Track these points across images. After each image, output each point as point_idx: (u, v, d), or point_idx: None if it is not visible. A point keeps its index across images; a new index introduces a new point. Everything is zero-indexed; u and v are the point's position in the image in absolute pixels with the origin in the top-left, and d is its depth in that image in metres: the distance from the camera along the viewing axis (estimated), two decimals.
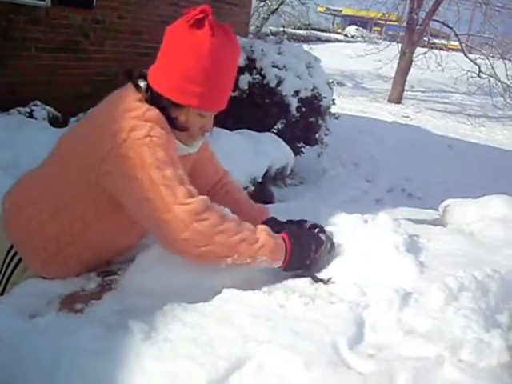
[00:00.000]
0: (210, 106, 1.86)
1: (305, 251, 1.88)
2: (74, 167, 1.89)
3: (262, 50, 7.66)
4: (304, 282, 1.89)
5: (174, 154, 1.78)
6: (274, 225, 2.06)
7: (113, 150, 1.74)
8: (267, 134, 6.90)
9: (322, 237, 1.95)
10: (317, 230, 2.04)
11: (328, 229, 2.16)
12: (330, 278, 1.89)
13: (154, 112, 1.79)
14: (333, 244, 1.98)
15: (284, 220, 2.17)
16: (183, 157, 1.97)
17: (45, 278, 1.97)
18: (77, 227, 1.92)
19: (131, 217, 1.85)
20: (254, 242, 1.76)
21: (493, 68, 19.42)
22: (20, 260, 2.01)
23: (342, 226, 2.22)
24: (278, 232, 1.90)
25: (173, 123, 1.85)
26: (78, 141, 1.94)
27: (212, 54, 1.73)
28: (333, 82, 9.79)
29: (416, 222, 2.65)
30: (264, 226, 1.85)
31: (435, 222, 2.93)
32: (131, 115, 1.76)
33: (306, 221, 2.13)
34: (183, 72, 1.76)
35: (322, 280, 1.88)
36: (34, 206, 1.95)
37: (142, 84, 1.87)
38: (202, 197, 1.74)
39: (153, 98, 1.82)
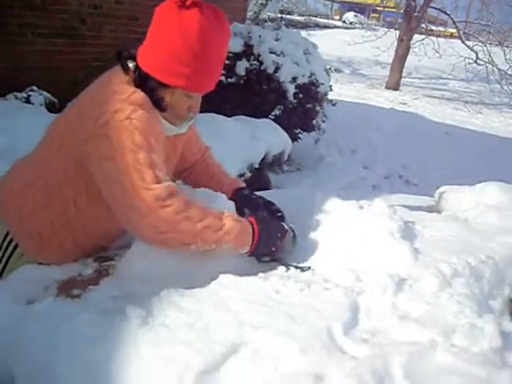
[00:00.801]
0: (196, 86, 1.84)
1: (272, 238, 1.88)
2: (64, 150, 1.89)
3: (260, 36, 7.63)
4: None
5: (153, 139, 1.77)
6: (242, 198, 2.18)
7: (95, 131, 1.75)
8: (264, 120, 6.89)
9: (285, 226, 1.96)
10: (279, 214, 2.10)
11: (324, 215, 2.17)
12: (309, 267, 1.90)
13: (140, 95, 1.79)
14: (295, 235, 1.99)
15: (255, 195, 2.24)
16: (173, 137, 1.99)
17: (41, 263, 1.98)
18: (70, 211, 1.93)
19: None
20: (219, 229, 1.76)
21: (490, 55, 19.37)
22: (16, 246, 2.02)
23: (338, 212, 2.23)
24: (246, 206, 1.99)
25: (160, 104, 1.85)
26: (66, 124, 1.95)
27: (200, 34, 1.72)
28: (330, 68, 9.75)
29: (411, 208, 2.66)
30: (230, 213, 1.85)
31: (431, 209, 2.95)
32: (117, 98, 1.77)
33: (273, 204, 2.18)
34: (170, 52, 1.75)
35: (299, 267, 1.89)
36: (28, 191, 1.96)
37: (131, 65, 1.87)
38: (167, 183, 1.73)
39: (141, 79, 1.82)
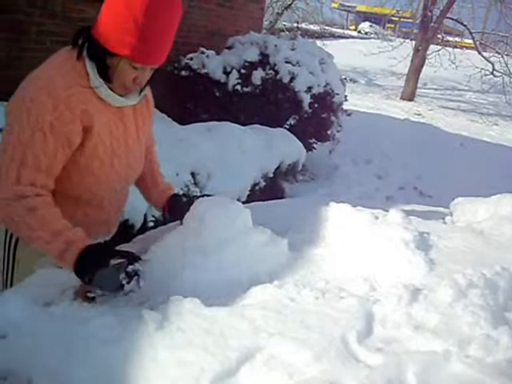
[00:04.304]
0: (140, 57, 1.86)
1: (87, 269, 1.78)
2: None
3: (276, 45, 7.66)
4: (314, 277, 1.92)
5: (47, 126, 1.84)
6: (175, 205, 2.28)
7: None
8: (279, 129, 6.90)
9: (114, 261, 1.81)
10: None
11: (338, 225, 2.18)
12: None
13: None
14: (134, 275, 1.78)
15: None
16: (121, 108, 2.05)
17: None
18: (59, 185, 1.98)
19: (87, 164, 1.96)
20: (47, 243, 1.81)
21: (507, 66, 19.28)
22: (17, 240, 2.07)
23: (353, 222, 2.23)
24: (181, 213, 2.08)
25: (106, 73, 1.90)
26: None
27: (144, 4, 1.75)
28: (346, 78, 9.77)
29: (426, 219, 2.66)
30: (68, 234, 1.82)
31: (446, 220, 2.94)
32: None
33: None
34: (117, 21, 1.79)
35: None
36: None
37: (80, 40, 1.92)
38: (21, 187, 1.82)
39: (90, 48, 1.88)
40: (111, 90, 1.95)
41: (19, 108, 1.83)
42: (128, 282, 1.72)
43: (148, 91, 2.21)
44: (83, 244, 1.79)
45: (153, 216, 4.24)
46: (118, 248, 2.02)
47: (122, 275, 1.72)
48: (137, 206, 3.74)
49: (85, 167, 1.96)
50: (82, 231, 1.86)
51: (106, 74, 1.90)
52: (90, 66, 1.89)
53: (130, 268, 1.73)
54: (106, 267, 1.73)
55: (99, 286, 1.74)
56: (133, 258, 1.80)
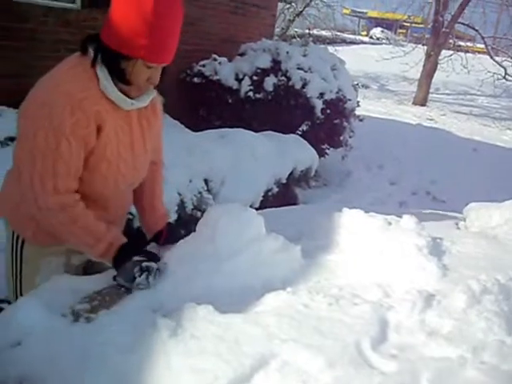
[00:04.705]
0: (155, 57, 1.94)
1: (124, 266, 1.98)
2: None
3: (288, 52, 7.68)
4: (328, 283, 1.92)
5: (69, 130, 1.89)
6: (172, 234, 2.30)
7: None
8: (292, 135, 6.91)
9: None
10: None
11: (352, 231, 2.18)
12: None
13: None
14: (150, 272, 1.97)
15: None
16: (129, 113, 2.09)
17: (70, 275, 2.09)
18: None
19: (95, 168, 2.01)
20: (92, 246, 1.99)
21: None
22: (24, 240, 2.15)
23: (366, 228, 2.23)
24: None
25: (121, 76, 1.95)
26: None
27: (155, 9, 1.83)
28: (358, 84, 9.77)
29: (440, 225, 2.66)
30: (111, 235, 2.01)
31: (459, 226, 2.93)
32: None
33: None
34: (130, 26, 1.86)
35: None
36: (18, 182, 2.04)
37: (91, 47, 1.97)
38: (62, 196, 1.92)
39: (104, 54, 1.94)
40: (122, 93, 2.00)
41: (37, 114, 1.87)
42: (139, 276, 1.90)
43: (157, 98, 2.24)
44: (120, 243, 2.02)
45: None
46: (147, 248, 2.22)
47: (137, 269, 1.91)
48: None
49: (94, 166, 2.01)
50: (117, 231, 2.10)
51: (123, 78, 1.95)
52: (101, 69, 1.95)
53: (145, 264, 1.92)
54: (130, 261, 1.94)
55: (119, 276, 1.96)
56: (153, 258, 2.00)
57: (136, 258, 1.95)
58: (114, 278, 1.97)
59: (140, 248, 2.12)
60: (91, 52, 1.95)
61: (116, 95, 1.98)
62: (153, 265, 1.93)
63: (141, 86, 2.01)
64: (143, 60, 1.91)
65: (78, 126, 1.88)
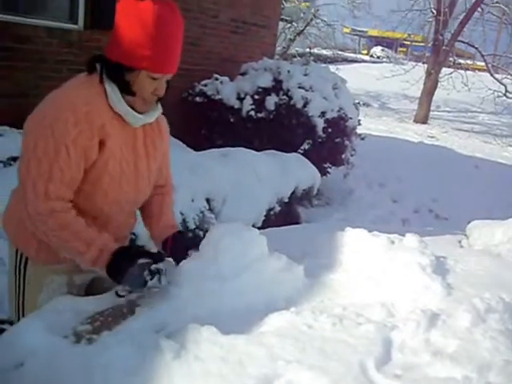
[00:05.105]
0: (158, 67, 1.97)
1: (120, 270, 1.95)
2: None
3: (289, 71, 7.71)
4: (331, 303, 1.91)
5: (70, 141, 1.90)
6: (180, 241, 2.24)
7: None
8: (294, 154, 6.92)
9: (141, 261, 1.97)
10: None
11: (355, 250, 2.17)
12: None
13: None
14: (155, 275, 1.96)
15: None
16: (135, 131, 2.11)
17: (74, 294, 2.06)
18: None
19: (100, 187, 2.03)
20: (83, 253, 1.94)
21: None
22: (27, 258, 2.14)
23: (369, 247, 2.23)
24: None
25: (127, 89, 1.99)
26: None
27: (155, 21, 1.89)
28: (359, 102, 9.80)
29: (443, 243, 2.65)
30: (102, 241, 1.97)
31: (462, 244, 2.92)
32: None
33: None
34: (132, 39, 1.91)
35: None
36: (22, 201, 2.03)
37: (98, 64, 2.01)
38: (52, 203, 1.91)
39: (109, 68, 1.98)
40: (131, 108, 2.02)
41: (40, 125, 1.90)
42: (151, 279, 1.90)
43: (163, 118, 2.26)
44: (113, 248, 1.97)
45: None
46: (145, 249, 2.15)
47: (146, 272, 1.91)
48: None
49: (95, 180, 2.02)
50: (109, 236, 2.02)
51: (129, 90, 1.98)
52: (110, 86, 1.98)
53: (154, 266, 1.92)
54: (134, 266, 1.92)
55: (127, 282, 1.94)
56: (158, 258, 1.99)
57: (141, 261, 1.93)
58: (117, 293, 1.95)
59: (138, 251, 2.07)
60: (98, 69, 1.99)
61: (125, 109, 2.01)
62: (161, 266, 1.93)
63: (146, 98, 2.03)
64: (147, 71, 1.95)
65: (80, 136, 1.90)
